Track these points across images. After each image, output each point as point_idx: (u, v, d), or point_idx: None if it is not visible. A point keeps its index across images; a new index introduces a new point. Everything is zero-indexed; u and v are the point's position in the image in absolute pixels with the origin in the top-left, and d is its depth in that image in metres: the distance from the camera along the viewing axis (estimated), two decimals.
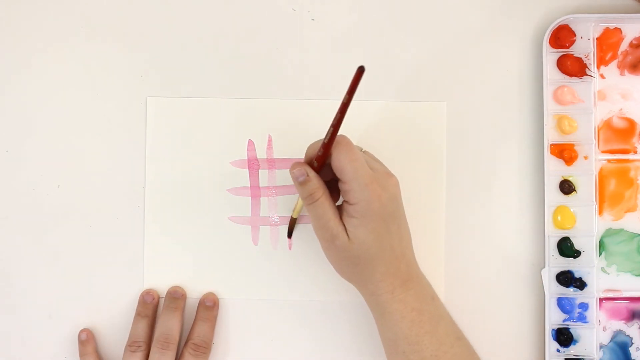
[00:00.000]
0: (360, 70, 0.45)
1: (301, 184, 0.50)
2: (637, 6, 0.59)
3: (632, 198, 0.58)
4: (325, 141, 0.49)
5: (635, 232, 0.58)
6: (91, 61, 0.59)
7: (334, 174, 0.50)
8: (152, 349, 0.56)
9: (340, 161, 0.49)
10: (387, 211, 0.50)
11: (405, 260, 0.52)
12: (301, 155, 0.58)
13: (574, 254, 0.57)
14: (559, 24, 0.58)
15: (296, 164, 0.50)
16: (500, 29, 0.59)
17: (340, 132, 0.59)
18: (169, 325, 0.56)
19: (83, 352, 0.57)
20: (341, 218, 0.50)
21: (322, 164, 0.50)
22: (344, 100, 0.47)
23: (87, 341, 0.57)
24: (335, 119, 0.48)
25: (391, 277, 0.51)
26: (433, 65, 0.59)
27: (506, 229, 0.59)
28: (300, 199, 0.54)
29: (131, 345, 0.56)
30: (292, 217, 0.57)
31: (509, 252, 0.58)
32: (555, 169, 0.58)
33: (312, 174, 0.50)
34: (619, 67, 0.59)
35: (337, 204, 0.52)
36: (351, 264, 0.51)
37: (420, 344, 0.50)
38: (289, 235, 0.58)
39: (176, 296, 0.57)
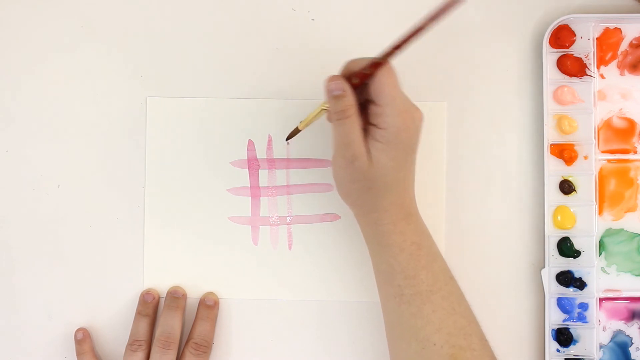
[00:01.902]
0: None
1: (336, 97, 0.48)
2: (637, 6, 0.59)
3: (632, 198, 0.58)
4: (379, 60, 0.48)
5: (635, 232, 0.58)
6: (91, 61, 0.59)
7: (363, 96, 0.50)
8: (153, 349, 0.56)
9: (382, 83, 0.48)
10: (410, 143, 0.50)
11: (409, 194, 0.52)
12: (301, 155, 0.58)
13: (574, 254, 0.57)
14: (559, 24, 0.58)
15: (334, 77, 0.49)
16: (500, 29, 0.59)
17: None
18: (170, 325, 0.56)
19: (80, 351, 0.57)
20: (364, 140, 0.49)
21: (362, 82, 0.49)
22: (420, 24, 0.45)
23: (84, 340, 0.57)
24: (401, 40, 0.47)
25: (397, 208, 0.50)
26: (433, 65, 0.59)
27: (506, 229, 0.59)
28: (314, 111, 0.53)
29: (132, 345, 0.56)
30: (297, 128, 0.55)
31: (509, 252, 0.58)
32: (555, 169, 0.58)
33: (348, 89, 0.49)
34: (619, 67, 0.59)
35: None
36: (364, 187, 0.50)
37: (416, 278, 0.50)
38: (287, 139, 0.57)
39: (176, 296, 0.57)
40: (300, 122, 0.54)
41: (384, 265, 0.51)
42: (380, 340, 0.58)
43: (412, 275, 0.50)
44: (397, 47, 0.47)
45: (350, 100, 0.49)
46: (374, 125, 0.49)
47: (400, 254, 0.50)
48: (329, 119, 0.51)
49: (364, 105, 0.50)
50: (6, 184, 0.59)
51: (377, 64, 0.48)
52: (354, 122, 0.49)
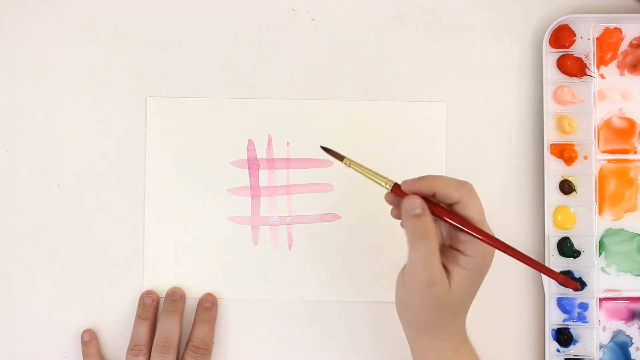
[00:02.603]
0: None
1: (416, 216, 0.45)
2: (637, 6, 0.59)
3: (632, 198, 0.58)
4: (472, 230, 0.46)
5: (635, 232, 0.58)
6: (91, 61, 0.59)
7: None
8: (152, 353, 0.56)
9: (470, 210, 0.46)
10: (487, 270, 0.48)
11: (466, 318, 0.50)
12: (299, 154, 0.58)
13: (574, 254, 0.57)
14: (559, 24, 0.58)
15: (413, 197, 0.46)
16: (500, 29, 0.59)
17: (340, 132, 0.60)
18: (167, 329, 0.56)
19: (86, 352, 0.57)
20: (443, 264, 0.46)
21: (446, 216, 0.46)
22: (535, 264, 0.47)
23: (90, 342, 0.57)
24: (504, 247, 0.46)
25: (459, 335, 0.49)
26: (433, 65, 0.59)
27: (506, 229, 0.58)
28: (374, 173, 0.48)
29: (133, 349, 0.56)
30: (343, 159, 0.49)
31: None
32: (555, 169, 0.58)
33: (427, 208, 0.46)
34: (618, 67, 0.59)
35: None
36: (435, 313, 0.46)
37: None
38: (323, 147, 0.50)
39: (175, 297, 0.57)
40: (351, 161, 0.49)
41: None
42: (380, 340, 0.58)
43: None
44: (495, 244, 0.46)
45: (429, 219, 0.45)
46: (459, 251, 0.46)
47: None
48: (402, 222, 0.47)
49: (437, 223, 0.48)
50: (6, 184, 0.59)
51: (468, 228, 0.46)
52: (434, 244, 0.45)
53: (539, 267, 0.47)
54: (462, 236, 0.46)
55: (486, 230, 0.46)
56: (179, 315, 0.57)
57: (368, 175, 0.48)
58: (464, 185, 0.46)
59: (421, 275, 0.45)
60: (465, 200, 0.46)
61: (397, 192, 0.47)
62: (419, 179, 0.47)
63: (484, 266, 0.47)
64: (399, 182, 0.47)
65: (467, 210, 0.46)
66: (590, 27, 0.58)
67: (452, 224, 0.46)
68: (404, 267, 0.47)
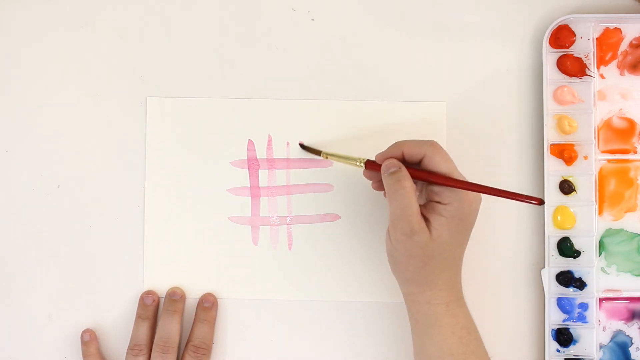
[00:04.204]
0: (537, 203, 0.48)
1: (392, 174, 0.50)
2: (637, 6, 0.59)
3: (632, 198, 0.58)
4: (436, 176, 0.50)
5: (635, 232, 0.58)
6: (91, 61, 0.59)
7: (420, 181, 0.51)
8: (152, 353, 0.56)
9: (435, 161, 0.49)
10: (471, 219, 0.50)
11: (460, 276, 0.52)
12: (299, 154, 0.58)
13: (574, 254, 0.57)
14: (559, 24, 0.58)
15: (389, 160, 0.50)
16: (500, 29, 0.59)
17: (340, 132, 0.60)
18: (168, 329, 0.56)
19: (86, 352, 0.57)
20: (424, 216, 0.49)
21: (414, 171, 0.50)
22: (492, 191, 0.49)
23: (90, 342, 0.57)
24: (462, 184, 0.49)
25: (451, 289, 0.51)
26: (433, 65, 0.59)
27: (506, 229, 0.59)
28: (347, 155, 0.55)
29: (133, 349, 0.56)
30: (320, 153, 0.57)
31: (509, 252, 0.58)
32: (555, 169, 0.58)
33: (402, 165, 0.50)
34: (618, 67, 0.59)
35: None
36: (420, 263, 0.49)
37: None
38: (301, 145, 0.58)
39: (175, 297, 0.57)
40: (328, 154, 0.56)
41: (432, 347, 0.51)
42: (379, 340, 0.58)
43: (461, 359, 0.50)
44: (456, 184, 0.49)
45: (404, 173, 0.49)
46: (437, 202, 0.50)
47: (450, 337, 0.50)
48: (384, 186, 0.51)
49: (422, 188, 0.52)
50: (6, 184, 0.59)
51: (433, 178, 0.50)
52: (410, 195, 0.49)
53: (502, 193, 0.49)
54: (435, 187, 0.50)
55: (456, 173, 0.50)
56: (179, 315, 0.57)
57: (344, 161, 0.55)
58: (427, 142, 0.50)
59: (401, 225, 0.49)
60: (430, 154, 0.50)
61: (370, 167, 0.52)
62: (388, 147, 0.52)
63: (464, 213, 0.50)
64: (370, 159, 0.52)
65: (434, 163, 0.50)
66: (590, 27, 0.58)
67: (421, 177, 0.50)
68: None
